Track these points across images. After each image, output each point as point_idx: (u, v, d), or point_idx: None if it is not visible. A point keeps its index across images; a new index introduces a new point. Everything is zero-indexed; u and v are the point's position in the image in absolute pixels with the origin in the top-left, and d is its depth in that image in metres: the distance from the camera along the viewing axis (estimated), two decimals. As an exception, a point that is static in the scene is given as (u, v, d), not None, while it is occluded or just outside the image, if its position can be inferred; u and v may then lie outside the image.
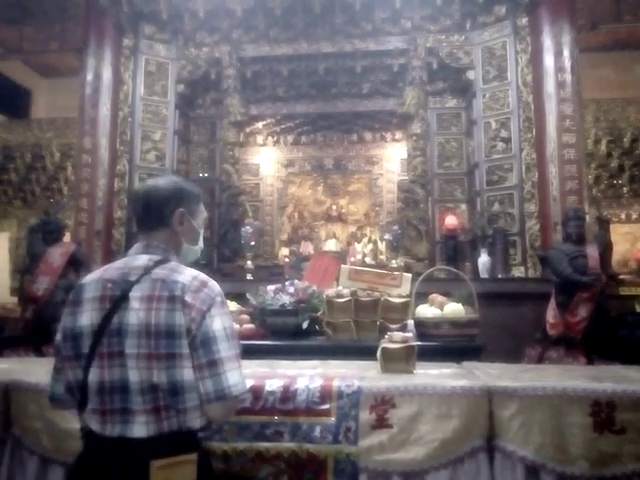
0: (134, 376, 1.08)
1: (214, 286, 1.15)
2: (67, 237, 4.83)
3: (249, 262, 5.46)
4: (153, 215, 1.23)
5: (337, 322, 2.62)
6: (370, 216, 7.69)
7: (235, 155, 6.18)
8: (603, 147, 6.52)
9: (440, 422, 1.75)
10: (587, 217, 4.55)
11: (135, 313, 1.09)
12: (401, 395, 1.79)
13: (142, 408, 1.08)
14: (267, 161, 7.56)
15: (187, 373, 1.08)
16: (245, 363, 2.06)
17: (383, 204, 7.53)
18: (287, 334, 2.68)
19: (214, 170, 6.33)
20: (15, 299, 5.44)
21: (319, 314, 2.73)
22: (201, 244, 1.33)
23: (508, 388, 1.76)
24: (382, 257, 6.80)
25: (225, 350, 1.10)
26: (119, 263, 1.20)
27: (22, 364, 2.31)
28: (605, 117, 6.46)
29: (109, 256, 5.04)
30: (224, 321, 1.12)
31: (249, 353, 2.38)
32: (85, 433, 1.15)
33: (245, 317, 2.80)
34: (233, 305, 2.86)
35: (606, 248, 4.01)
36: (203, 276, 1.16)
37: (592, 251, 3.70)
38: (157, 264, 1.15)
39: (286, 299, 2.75)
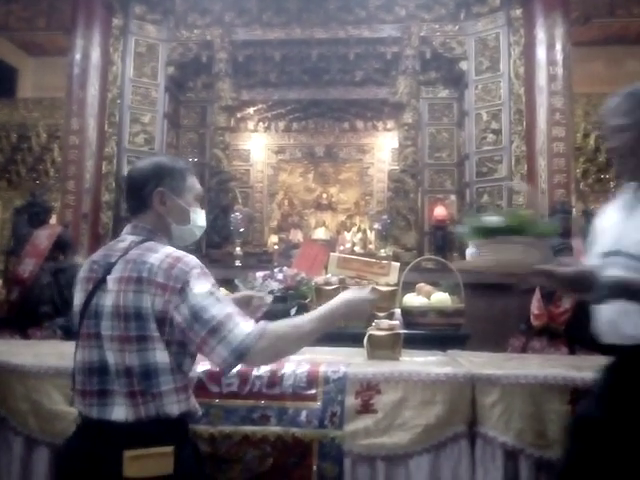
0: (111, 358, 1.08)
1: (189, 261, 1.10)
2: (53, 220, 4.77)
3: (238, 248, 5.46)
4: (135, 197, 1.22)
5: (325, 309, 2.64)
6: (360, 205, 7.70)
7: (225, 140, 6.13)
8: (592, 141, 6.58)
9: (424, 408, 1.78)
10: (574, 211, 4.61)
11: (110, 295, 1.09)
12: (386, 381, 1.82)
13: (120, 390, 1.08)
14: (258, 147, 7.51)
15: (159, 355, 1.07)
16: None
17: (373, 193, 7.53)
18: (275, 320, 2.69)
19: (204, 155, 6.28)
20: (-1, 281, 5.37)
21: (307, 301, 2.75)
22: (198, 222, 1.26)
23: (491, 376, 1.80)
24: (371, 246, 6.82)
25: (220, 312, 1.06)
26: (109, 245, 1.21)
27: (7, 346, 2.29)
28: (595, 111, 6.49)
29: (96, 240, 5.00)
30: (207, 287, 1.08)
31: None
32: (78, 414, 1.16)
33: (233, 303, 2.81)
34: (222, 291, 2.87)
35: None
36: (178, 253, 1.12)
37: (578, 244, 3.76)
38: (136, 245, 1.14)
39: (275, 286, 2.76)
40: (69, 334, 2.72)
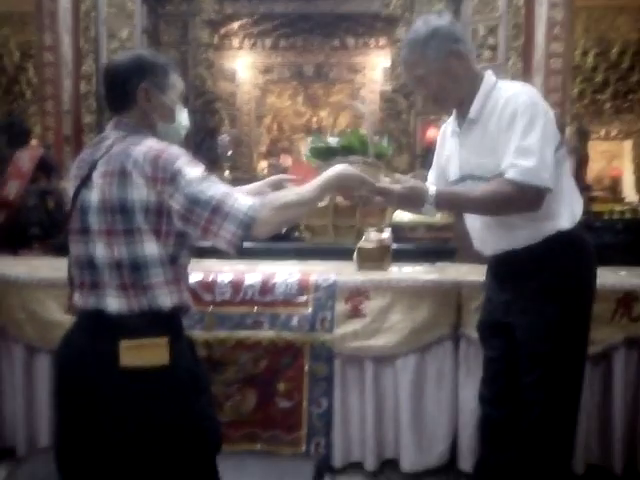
0: (99, 251, 1.08)
1: (174, 150, 1.07)
2: (34, 143, 4.61)
3: (227, 172, 5.36)
4: (117, 93, 1.16)
5: (315, 226, 2.65)
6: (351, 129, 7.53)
7: (209, 58, 5.83)
8: (590, 59, 6.34)
9: (411, 313, 1.86)
10: (567, 130, 4.55)
11: (95, 190, 1.08)
12: (375, 288, 1.88)
13: (111, 282, 1.08)
14: (244, 66, 7.17)
15: (148, 247, 1.06)
16: (223, 263, 2.12)
17: (365, 116, 7.34)
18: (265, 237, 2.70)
19: (187, 74, 5.97)
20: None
21: (305, 214, 2.74)
22: (182, 121, 1.23)
23: (476, 282, 1.85)
24: (361, 170, 6.76)
25: (217, 191, 1.03)
26: (94, 141, 1.17)
27: (0, 261, 2.30)
28: (595, 27, 6.22)
29: (81, 163, 4.87)
30: (198, 172, 1.05)
31: (225, 254, 2.44)
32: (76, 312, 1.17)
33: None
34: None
35: (582, 161, 4.05)
36: (162, 144, 1.09)
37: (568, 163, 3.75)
38: (120, 140, 1.11)
39: (264, 204, 2.75)
40: (61, 252, 2.72)
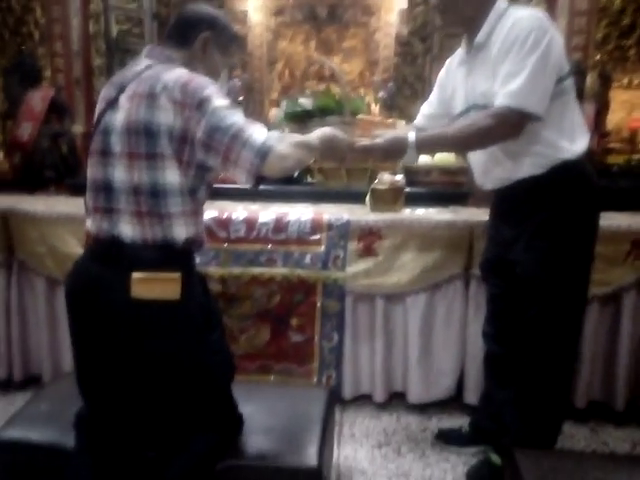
0: (118, 175, 1.07)
1: (204, 79, 1.08)
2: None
3: (238, 119, 5.28)
4: (181, 28, 1.17)
5: (328, 169, 2.63)
6: (365, 76, 7.30)
7: (220, -2, 5.61)
8: (618, 0, 6.00)
9: (423, 252, 1.87)
10: (588, 75, 4.38)
11: (120, 112, 1.07)
12: (388, 227, 1.89)
13: (127, 208, 1.07)
14: (255, 8, 6.91)
15: (169, 175, 1.05)
16: (237, 204, 2.13)
17: (379, 62, 7.09)
18: (278, 180, 2.69)
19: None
20: (0, 154, 5.29)
21: (310, 162, 2.73)
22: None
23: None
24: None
25: (239, 119, 1.05)
26: (126, 67, 1.16)
27: (18, 198, 2.33)
28: (627, -36, 5.83)
29: (91, 107, 4.82)
30: (225, 102, 1.06)
31: (241, 196, 2.46)
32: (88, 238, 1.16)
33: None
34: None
35: (602, 107, 3.92)
36: (192, 73, 1.09)
37: (588, 109, 3.64)
38: (152, 66, 1.10)
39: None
40: (77, 193, 2.74)
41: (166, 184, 1.06)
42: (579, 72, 3.74)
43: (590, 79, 4.38)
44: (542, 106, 1.28)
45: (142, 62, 1.13)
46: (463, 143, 1.39)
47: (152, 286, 1.05)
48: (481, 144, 1.39)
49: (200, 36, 1.16)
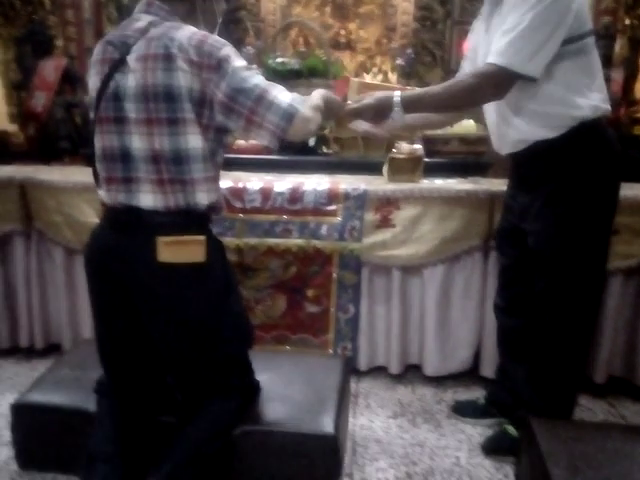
0: (136, 142, 1.03)
1: (219, 38, 1.04)
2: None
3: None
4: None
5: (344, 138, 2.58)
6: (382, 44, 7.06)
7: (233, -39, 5.44)
8: (652, -40, 5.67)
9: (441, 223, 1.83)
10: (618, 40, 4.18)
11: (133, 75, 1.01)
12: (406, 198, 1.84)
13: (147, 177, 1.04)
14: (269, -27, 6.69)
15: (192, 140, 1.02)
16: (251, 175, 2.11)
17: (397, 28, 6.83)
18: (293, 150, 2.65)
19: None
20: (15, 126, 5.29)
21: (326, 131, 2.67)
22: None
23: (511, 193, 1.80)
24: (392, 88, 6.44)
25: (262, 81, 1.02)
26: (122, 24, 1.10)
27: (34, 168, 2.34)
28: None
29: (105, 76, 4.78)
30: (243, 62, 1.04)
31: (255, 167, 2.42)
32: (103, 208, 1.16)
33: (251, 133, 2.75)
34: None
35: (631, 74, 3.75)
36: (204, 32, 1.04)
37: (617, 76, 3.48)
38: (156, 23, 1.04)
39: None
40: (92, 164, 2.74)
41: (189, 149, 1.03)
42: (607, 36, 3.57)
43: (619, 44, 4.18)
44: (534, 65, 1.21)
45: (141, 18, 1.07)
46: (447, 101, 1.34)
47: (178, 250, 1.05)
48: (465, 103, 1.36)
49: None
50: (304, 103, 1.04)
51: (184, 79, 0.99)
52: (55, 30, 5.27)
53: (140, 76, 1.01)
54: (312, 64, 2.24)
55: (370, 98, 1.34)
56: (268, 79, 1.06)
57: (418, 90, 1.40)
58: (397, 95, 1.32)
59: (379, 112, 1.33)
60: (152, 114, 1.01)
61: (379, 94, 1.35)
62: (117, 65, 1.03)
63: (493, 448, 1.57)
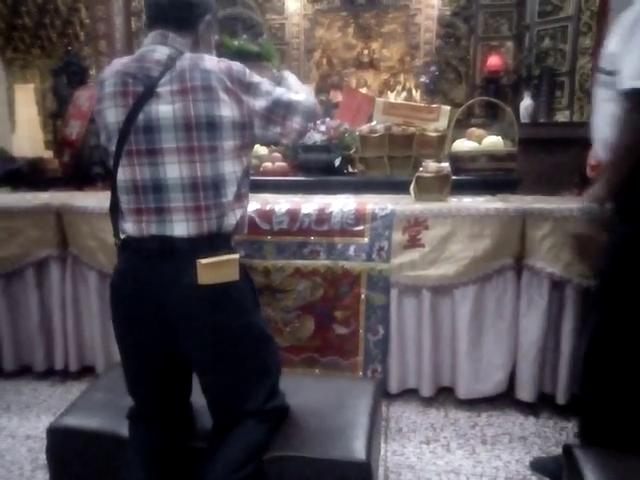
0: (173, 172, 1.05)
1: (235, 63, 1.13)
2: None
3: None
4: (183, 15, 1.13)
5: (370, 158, 2.58)
6: (405, 61, 7.10)
7: (258, -12, 5.60)
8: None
9: (472, 242, 1.80)
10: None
11: (168, 107, 1.04)
12: (434, 217, 1.82)
13: (182, 206, 1.06)
14: (292, -3, 6.86)
15: (229, 164, 1.09)
16: (279, 197, 2.13)
17: (420, 46, 6.88)
18: (319, 171, 2.67)
19: (235, 5, 5.81)
20: (50, 152, 5.51)
21: (352, 152, 2.68)
22: None
23: (543, 210, 1.76)
24: (416, 105, 6.44)
25: (286, 92, 1.17)
26: (136, 55, 1.11)
27: (69, 194, 2.42)
28: None
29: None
30: (263, 79, 1.15)
31: (282, 189, 2.44)
32: (122, 241, 1.13)
33: (277, 155, 2.79)
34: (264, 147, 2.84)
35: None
36: (223, 59, 1.13)
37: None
38: (178, 55, 1.08)
39: (317, 137, 2.69)
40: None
41: (225, 173, 1.09)
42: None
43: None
44: None
45: (157, 49, 1.09)
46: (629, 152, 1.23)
47: (216, 271, 1.08)
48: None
49: (204, 19, 1.17)
50: (311, 99, 1.23)
51: (225, 108, 1.06)
52: (89, 61, 5.51)
53: (180, 107, 1.04)
54: (267, 51, 2.35)
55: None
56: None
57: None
58: None
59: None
60: (194, 142, 1.05)
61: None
62: (143, 98, 1.05)
63: (542, 468, 1.51)
